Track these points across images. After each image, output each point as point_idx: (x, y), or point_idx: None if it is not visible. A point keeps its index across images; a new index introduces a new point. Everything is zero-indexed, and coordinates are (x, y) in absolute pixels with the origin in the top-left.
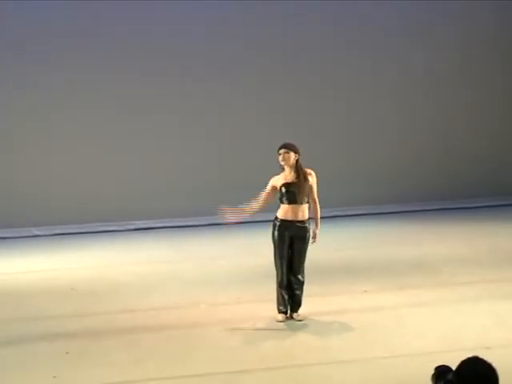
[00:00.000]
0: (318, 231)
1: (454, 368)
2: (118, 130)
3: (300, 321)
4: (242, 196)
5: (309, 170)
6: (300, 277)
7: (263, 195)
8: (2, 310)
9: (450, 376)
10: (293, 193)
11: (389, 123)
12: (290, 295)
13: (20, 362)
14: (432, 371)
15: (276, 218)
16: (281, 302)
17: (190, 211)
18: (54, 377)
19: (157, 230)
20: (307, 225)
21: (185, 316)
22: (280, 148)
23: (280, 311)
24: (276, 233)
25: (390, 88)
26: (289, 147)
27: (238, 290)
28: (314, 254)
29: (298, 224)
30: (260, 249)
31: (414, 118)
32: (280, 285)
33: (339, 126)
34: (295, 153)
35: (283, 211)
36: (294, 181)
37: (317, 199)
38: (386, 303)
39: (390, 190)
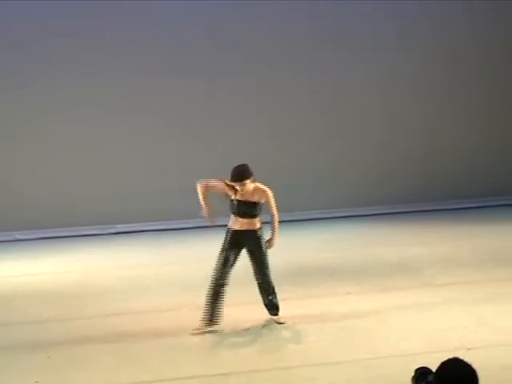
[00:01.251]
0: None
1: (433, 369)
2: (103, 133)
3: (282, 323)
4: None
5: (261, 187)
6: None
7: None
8: None
9: (430, 377)
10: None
11: (373, 124)
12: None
13: (1, 367)
14: (413, 373)
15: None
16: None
17: (175, 214)
18: (36, 382)
19: (141, 233)
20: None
21: (170, 319)
22: (234, 180)
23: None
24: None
25: (376, 88)
26: (245, 176)
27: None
28: (299, 255)
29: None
30: (242, 252)
31: (398, 120)
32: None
33: (325, 127)
34: (250, 177)
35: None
36: (247, 199)
37: (275, 212)
38: (370, 305)
39: (374, 192)
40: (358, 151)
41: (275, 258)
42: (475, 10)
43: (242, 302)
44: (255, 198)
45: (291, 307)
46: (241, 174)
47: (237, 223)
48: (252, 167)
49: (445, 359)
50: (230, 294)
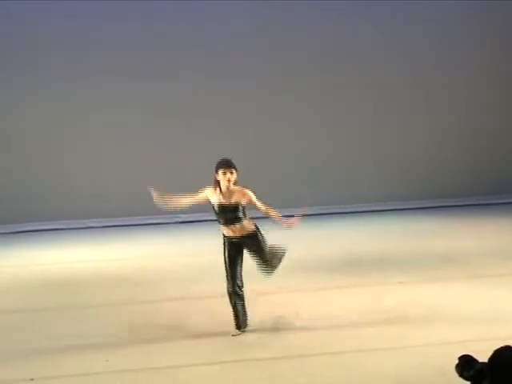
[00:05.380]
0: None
1: (479, 358)
2: (162, 125)
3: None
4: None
5: (242, 190)
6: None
7: (194, 197)
8: (57, 297)
9: (478, 366)
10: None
11: (419, 121)
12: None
13: (74, 347)
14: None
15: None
16: None
17: None
18: (107, 360)
19: (203, 222)
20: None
21: (228, 305)
22: (223, 166)
23: None
24: None
25: (419, 85)
26: (233, 165)
27: (280, 279)
28: (351, 246)
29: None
30: (298, 242)
31: (445, 117)
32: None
33: (375, 123)
34: (236, 171)
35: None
36: (227, 202)
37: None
38: (420, 294)
39: (423, 186)
40: (404, 148)
41: (328, 248)
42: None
43: (301, 288)
44: (234, 199)
45: (344, 295)
46: (230, 162)
47: (230, 231)
48: (306, 160)
49: (497, 347)
50: (288, 281)
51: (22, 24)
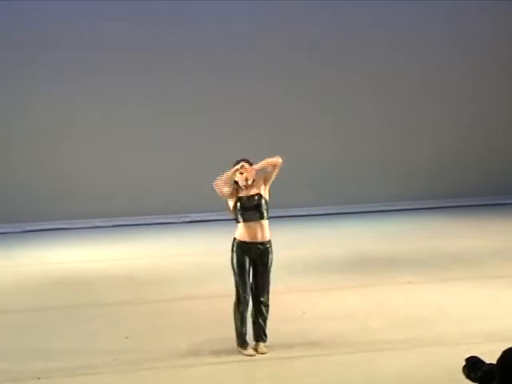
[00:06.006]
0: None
1: (486, 359)
2: (173, 127)
3: (264, 353)
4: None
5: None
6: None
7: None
8: (66, 296)
9: (485, 367)
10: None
11: (430, 121)
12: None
13: (82, 346)
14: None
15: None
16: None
17: None
18: (115, 360)
19: (212, 222)
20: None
21: None
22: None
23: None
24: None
25: (425, 86)
26: (250, 165)
27: (290, 279)
28: (361, 246)
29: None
30: (306, 242)
31: (456, 117)
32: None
33: (389, 126)
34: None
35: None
36: (249, 195)
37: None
38: (430, 294)
39: (433, 186)
40: (412, 149)
41: (337, 248)
42: None
43: (309, 288)
44: (254, 191)
45: (354, 295)
46: (247, 162)
47: (249, 232)
48: (314, 160)
49: (505, 348)
50: (296, 281)
51: (23, 24)
